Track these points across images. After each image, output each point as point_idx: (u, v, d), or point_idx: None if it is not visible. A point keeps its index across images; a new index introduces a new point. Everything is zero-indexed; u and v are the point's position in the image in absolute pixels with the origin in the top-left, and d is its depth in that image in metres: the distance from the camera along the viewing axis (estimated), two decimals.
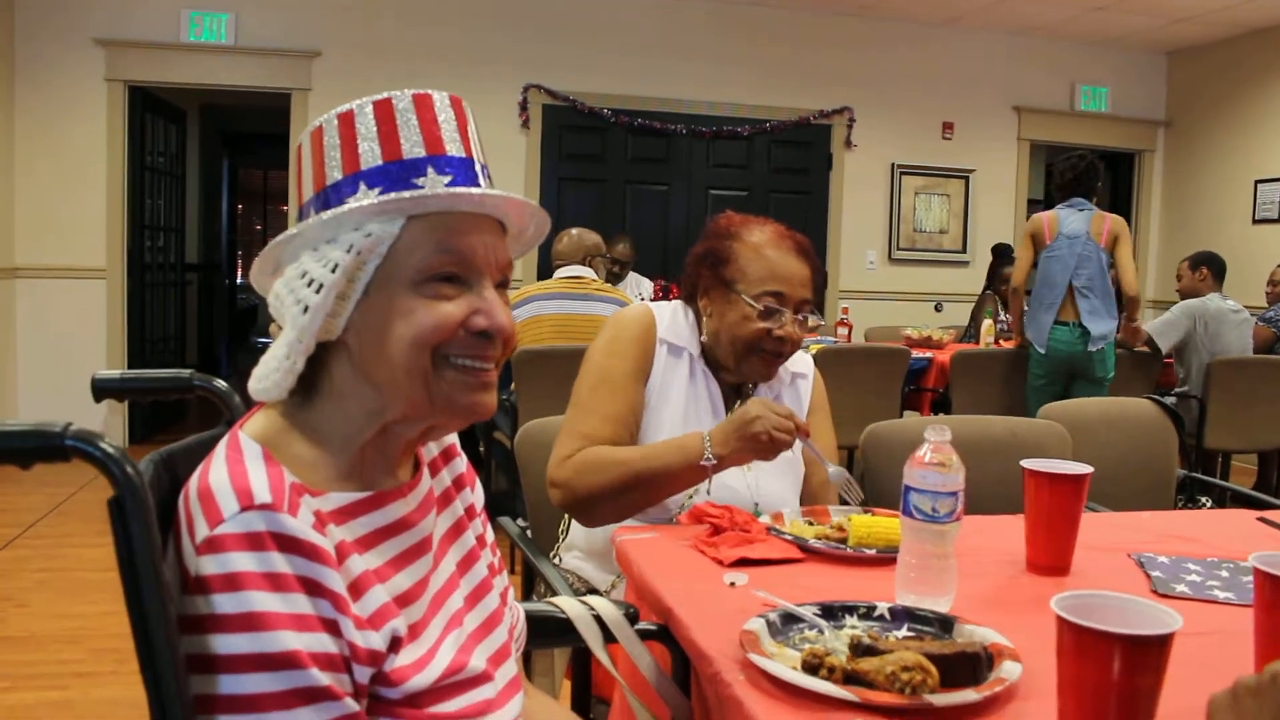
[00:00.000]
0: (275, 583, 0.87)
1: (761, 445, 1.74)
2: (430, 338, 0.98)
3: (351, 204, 0.97)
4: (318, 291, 0.96)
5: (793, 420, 1.75)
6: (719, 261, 1.94)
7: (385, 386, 0.99)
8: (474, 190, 1.00)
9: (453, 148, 1.01)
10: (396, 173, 0.99)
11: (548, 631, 1.40)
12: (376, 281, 0.98)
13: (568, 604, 1.42)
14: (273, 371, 0.99)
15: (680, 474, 1.80)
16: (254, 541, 0.87)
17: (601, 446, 1.86)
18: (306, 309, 0.97)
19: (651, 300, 5.20)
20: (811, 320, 1.94)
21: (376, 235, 0.97)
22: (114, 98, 6.55)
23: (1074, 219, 4.86)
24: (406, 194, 0.97)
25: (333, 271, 0.96)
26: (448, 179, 0.99)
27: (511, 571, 3.60)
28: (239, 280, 12.95)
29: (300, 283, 0.97)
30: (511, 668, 1.13)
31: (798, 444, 1.99)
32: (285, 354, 0.98)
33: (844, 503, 1.88)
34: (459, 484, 1.19)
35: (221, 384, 1.23)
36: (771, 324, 1.89)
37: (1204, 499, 3.73)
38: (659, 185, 7.60)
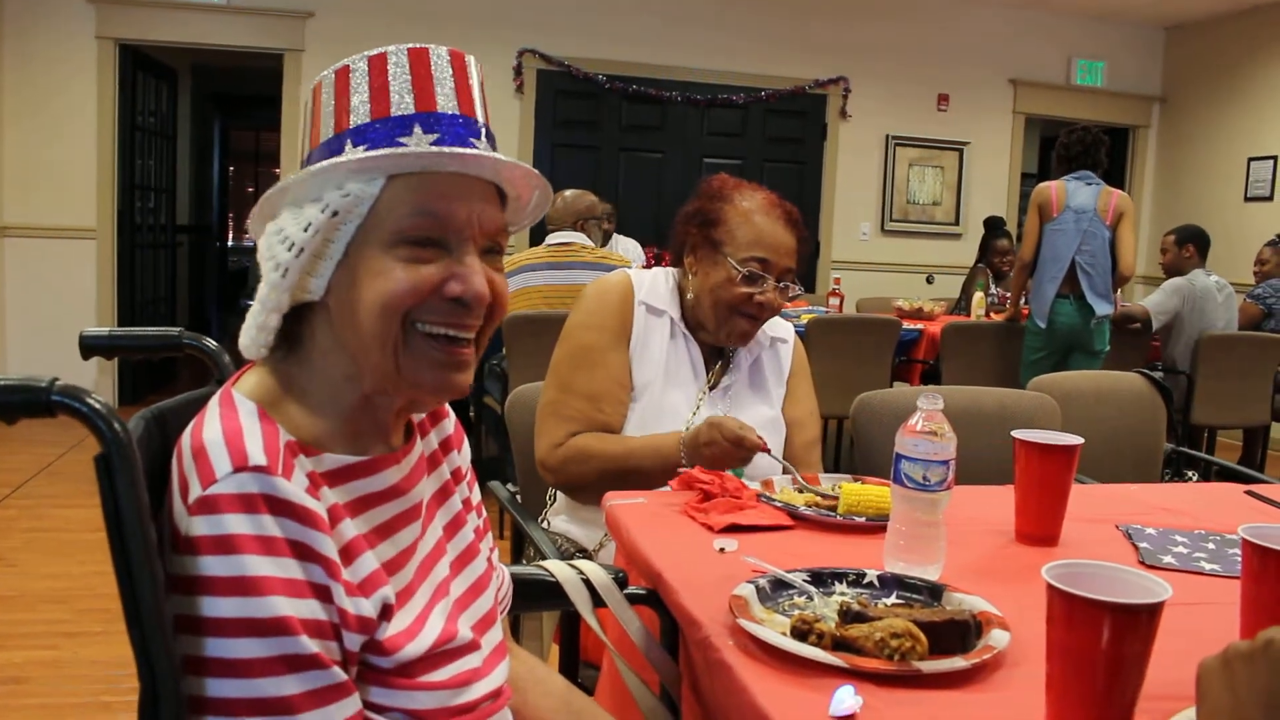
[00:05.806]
0: (267, 546, 0.85)
1: (717, 463, 1.78)
2: (400, 301, 0.94)
3: (329, 162, 0.94)
4: (290, 250, 0.95)
5: (744, 441, 1.77)
6: (708, 222, 1.98)
7: (357, 354, 0.97)
8: (457, 150, 0.95)
9: (445, 104, 0.98)
10: (381, 130, 0.96)
11: (536, 595, 1.40)
12: (356, 243, 0.95)
13: (557, 568, 1.42)
14: (250, 328, 0.98)
15: (657, 475, 1.86)
16: (247, 503, 0.85)
17: (587, 435, 1.92)
18: (278, 267, 0.95)
19: (644, 266, 5.17)
20: (792, 290, 1.99)
21: (355, 195, 0.94)
22: (104, 56, 6.47)
23: (1082, 192, 4.79)
24: (384, 151, 0.94)
25: (305, 231, 0.94)
26: (434, 137, 0.96)
27: (500, 536, 3.60)
28: (230, 243, 12.88)
29: (276, 239, 0.96)
30: (497, 633, 1.12)
31: (779, 397, 2.06)
32: (259, 310, 0.97)
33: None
34: (446, 446, 1.17)
35: (211, 342, 1.21)
36: (754, 289, 1.93)
37: (1190, 473, 3.74)
38: (653, 153, 7.56)
